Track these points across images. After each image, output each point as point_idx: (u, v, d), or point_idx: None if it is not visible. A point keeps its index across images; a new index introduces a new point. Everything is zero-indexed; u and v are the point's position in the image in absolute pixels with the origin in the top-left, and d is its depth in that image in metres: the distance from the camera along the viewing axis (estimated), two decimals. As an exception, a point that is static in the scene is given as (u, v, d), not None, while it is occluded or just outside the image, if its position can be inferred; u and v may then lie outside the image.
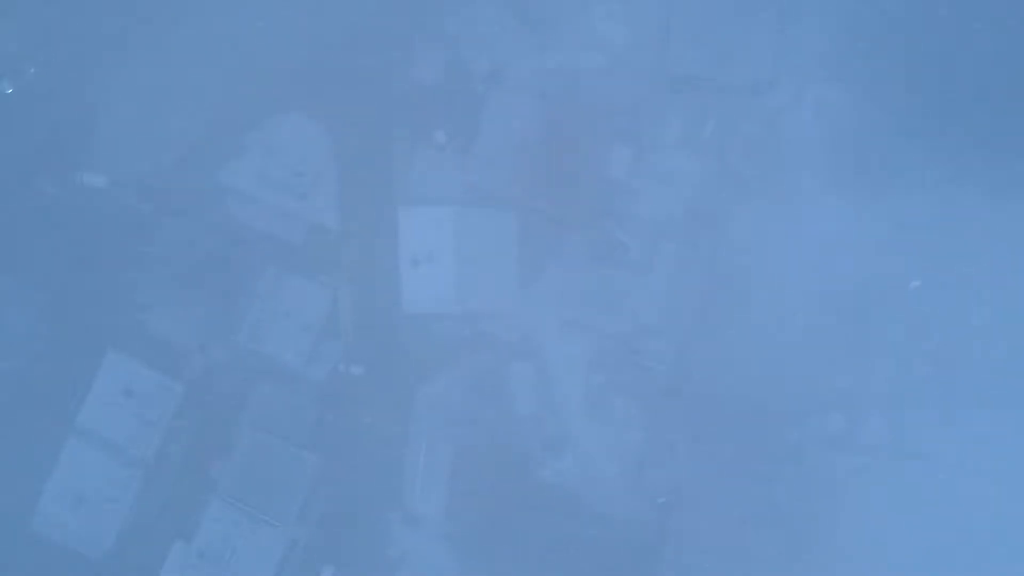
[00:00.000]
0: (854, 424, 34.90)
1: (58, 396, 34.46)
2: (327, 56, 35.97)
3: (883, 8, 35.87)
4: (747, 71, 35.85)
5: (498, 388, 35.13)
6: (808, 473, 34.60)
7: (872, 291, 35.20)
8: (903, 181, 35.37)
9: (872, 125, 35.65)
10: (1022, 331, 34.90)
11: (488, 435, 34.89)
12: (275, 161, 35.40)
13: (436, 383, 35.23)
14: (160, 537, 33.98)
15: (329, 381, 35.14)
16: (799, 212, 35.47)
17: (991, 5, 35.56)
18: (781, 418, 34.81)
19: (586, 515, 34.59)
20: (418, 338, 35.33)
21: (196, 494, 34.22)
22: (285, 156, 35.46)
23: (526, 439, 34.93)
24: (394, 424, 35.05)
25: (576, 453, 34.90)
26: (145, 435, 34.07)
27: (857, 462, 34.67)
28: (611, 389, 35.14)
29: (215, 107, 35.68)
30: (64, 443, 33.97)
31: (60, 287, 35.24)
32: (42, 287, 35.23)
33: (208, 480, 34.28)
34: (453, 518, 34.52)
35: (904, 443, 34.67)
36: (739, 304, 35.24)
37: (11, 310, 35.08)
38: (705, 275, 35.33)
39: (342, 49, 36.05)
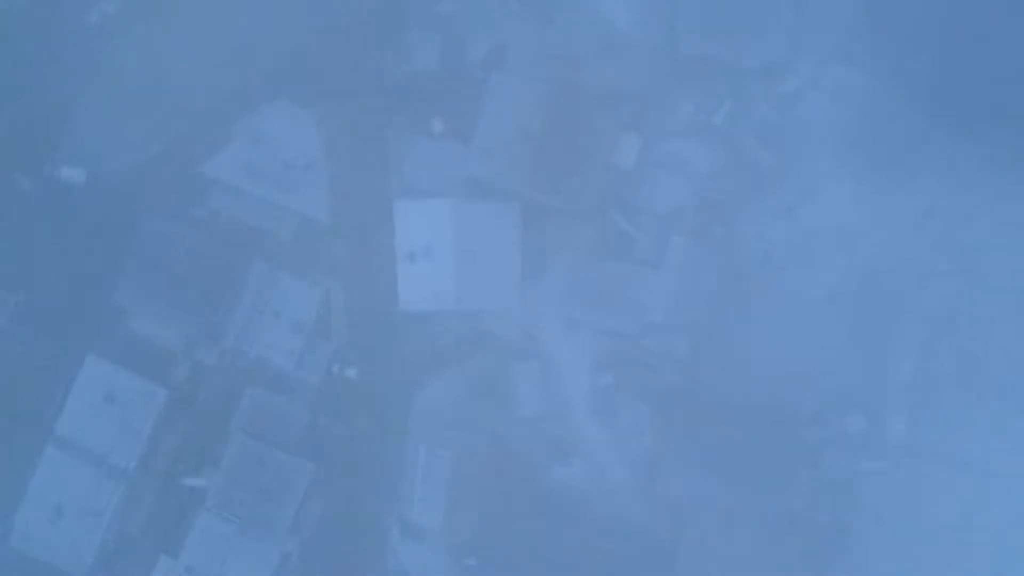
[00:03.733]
0: (874, 425, 34.30)
1: (35, 403, 34.17)
2: (317, 40, 35.31)
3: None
4: (761, 53, 35.23)
5: (500, 390, 34.78)
6: (826, 476, 34.13)
7: (893, 283, 34.66)
8: (925, 167, 34.80)
9: (892, 109, 35.03)
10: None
11: (489, 440, 34.52)
12: (263, 152, 34.88)
13: (434, 385, 34.96)
14: (145, 551, 33.81)
15: (322, 384, 34.77)
16: (816, 201, 34.92)
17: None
18: (798, 419, 34.30)
19: (594, 523, 34.12)
20: (415, 338, 35.01)
21: (182, 505, 33.95)
22: (273, 147, 34.93)
23: (529, 444, 34.57)
24: (391, 429, 34.76)
25: (583, 458, 34.50)
26: (128, 443, 33.69)
27: (878, 464, 34.14)
28: (619, 390, 34.69)
29: (199, 96, 35.03)
30: (42, 453, 33.65)
31: (37, 287, 34.78)
32: (17, 287, 34.79)
33: (195, 490, 33.92)
34: (454, 528, 34.14)
35: (926, 444, 34.09)
36: (753, 300, 34.67)
37: (-15, 312, 34.98)
38: (718, 269, 34.76)
39: (333, 33, 35.37)
